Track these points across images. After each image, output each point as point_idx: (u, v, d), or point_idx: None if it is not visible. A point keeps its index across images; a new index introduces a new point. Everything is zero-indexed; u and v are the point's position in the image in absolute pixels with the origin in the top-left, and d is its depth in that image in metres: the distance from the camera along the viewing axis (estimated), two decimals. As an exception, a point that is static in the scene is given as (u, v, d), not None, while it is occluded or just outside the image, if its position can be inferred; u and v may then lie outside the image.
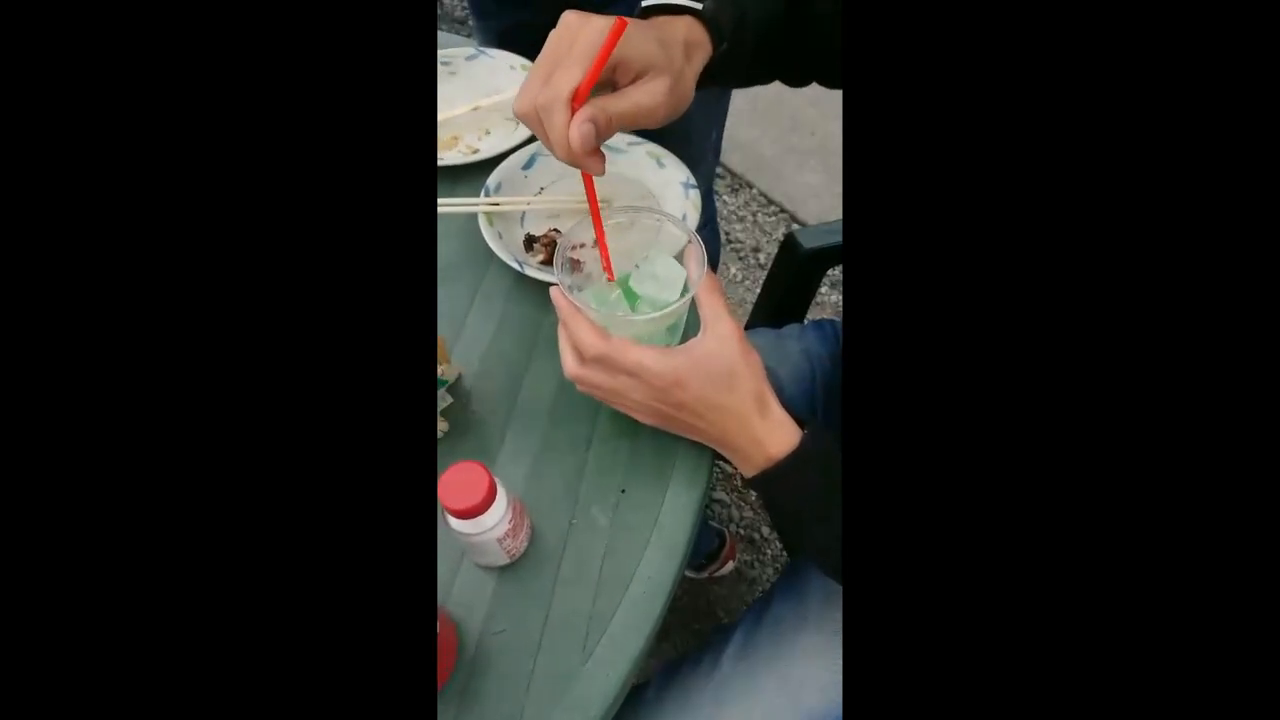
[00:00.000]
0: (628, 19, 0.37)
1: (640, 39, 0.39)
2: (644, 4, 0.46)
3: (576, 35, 0.37)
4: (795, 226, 1.62)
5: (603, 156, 0.38)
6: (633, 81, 0.39)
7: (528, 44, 0.77)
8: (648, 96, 0.39)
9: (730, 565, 1.19)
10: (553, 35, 0.38)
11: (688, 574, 1.18)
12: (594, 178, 0.40)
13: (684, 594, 1.18)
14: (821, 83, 0.54)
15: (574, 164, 0.38)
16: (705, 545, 1.16)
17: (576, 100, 0.36)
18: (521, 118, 0.39)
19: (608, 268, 0.45)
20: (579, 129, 0.36)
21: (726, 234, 1.63)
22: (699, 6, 0.44)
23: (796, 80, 0.54)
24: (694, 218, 0.59)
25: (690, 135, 0.83)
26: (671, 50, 0.41)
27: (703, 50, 0.44)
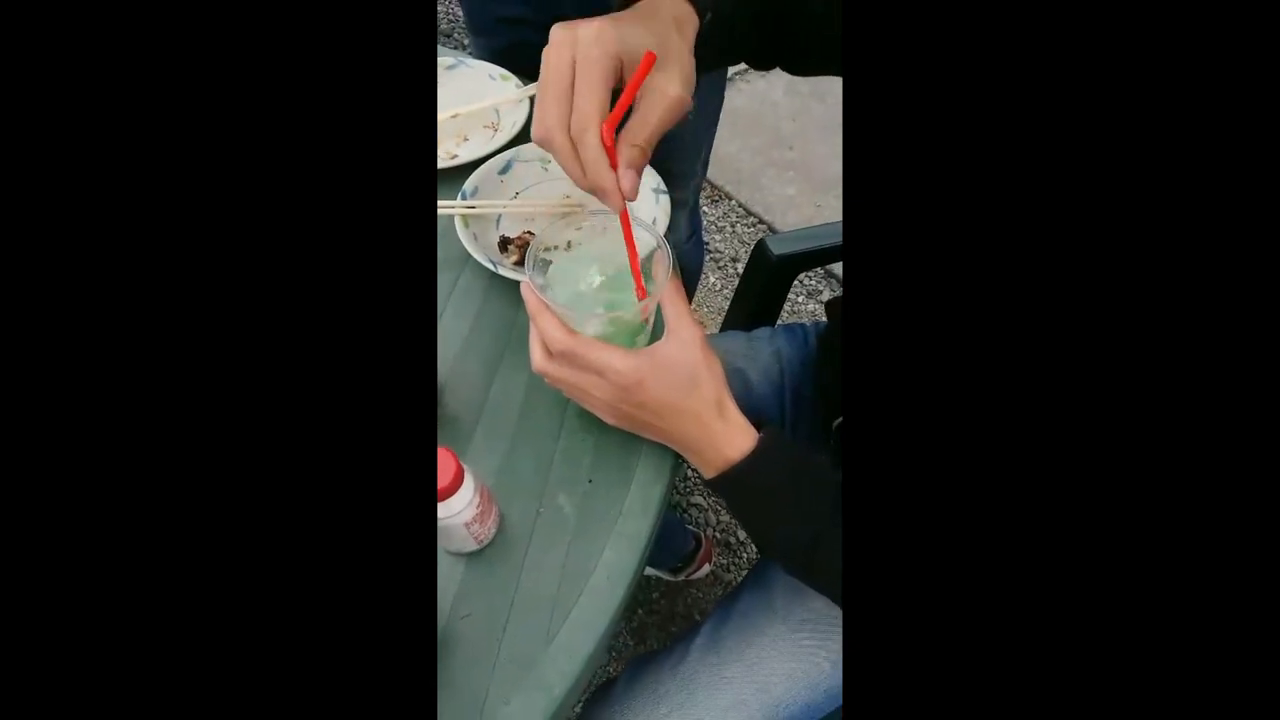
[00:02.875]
0: (654, 54, 0.37)
1: (633, 30, 0.38)
2: None
3: (575, 53, 0.37)
4: (773, 237, 1.65)
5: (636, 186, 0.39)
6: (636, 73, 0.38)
7: (524, 62, 0.78)
8: (665, 101, 0.38)
9: (706, 568, 1.20)
10: (551, 55, 0.38)
11: (664, 577, 1.19)
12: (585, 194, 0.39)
13: (660, 596, 1.19)
14: (786, 69, 0.54)
15: (596, 193, 0.38)
16: (682, 548, 1.17)
17: (606, 130, 0.37)
18: (543, 143, 0.38)
19: (640, 288, 0.45)
20: (629, 181, 0.37)
21: (706, 244, 1.65)
22: None
23: (761, 63, 0.53)
24: (664, 222, 0.61)
25: (685, 150, 0.85)
26: (665, 32, 0.40)
27: (691, 24, 0.42)
